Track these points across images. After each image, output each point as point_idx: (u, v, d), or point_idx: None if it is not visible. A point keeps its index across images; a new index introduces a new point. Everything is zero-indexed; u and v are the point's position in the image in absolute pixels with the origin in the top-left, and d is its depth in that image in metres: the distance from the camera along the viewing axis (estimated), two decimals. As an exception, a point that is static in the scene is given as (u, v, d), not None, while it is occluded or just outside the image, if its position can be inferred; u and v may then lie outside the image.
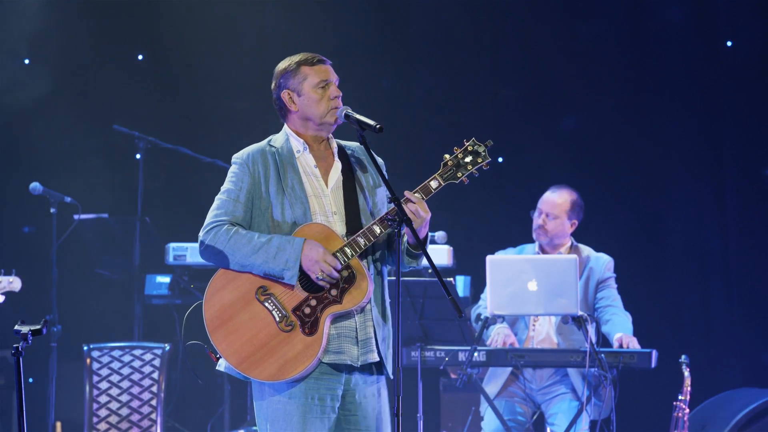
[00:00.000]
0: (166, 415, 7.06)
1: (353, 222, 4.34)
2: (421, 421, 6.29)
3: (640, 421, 8.04)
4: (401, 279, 4.21)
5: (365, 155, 4.44)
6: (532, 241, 6.90)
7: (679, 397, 6.42)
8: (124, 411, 6.81)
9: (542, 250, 6.81)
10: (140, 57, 9.19)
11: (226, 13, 9.09)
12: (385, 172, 4.38)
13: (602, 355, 6.33)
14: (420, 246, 4.29)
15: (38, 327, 3.96)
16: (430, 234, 4.46)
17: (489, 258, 6.47)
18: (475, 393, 6.97)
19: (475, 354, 6.46)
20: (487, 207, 8.83)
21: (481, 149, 4.42)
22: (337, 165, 4.43)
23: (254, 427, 7.23)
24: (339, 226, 4.34)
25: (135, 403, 6.82)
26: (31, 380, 8.57)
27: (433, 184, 4.35)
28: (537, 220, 6.80)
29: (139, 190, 8.24)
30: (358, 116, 4.34)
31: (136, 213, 8.28)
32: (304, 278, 4.26)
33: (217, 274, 4.33)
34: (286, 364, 4.21)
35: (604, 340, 6.77)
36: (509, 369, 6.62)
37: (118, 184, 8.86)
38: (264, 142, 4.45)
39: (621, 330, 6.53)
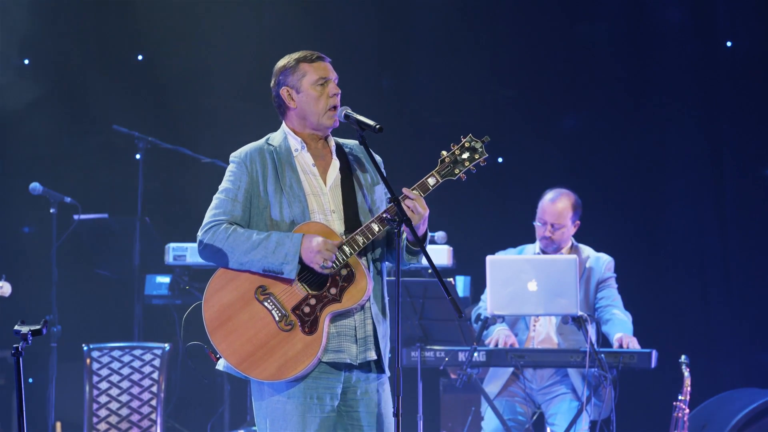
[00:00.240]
0: (166, 415, 7.06)
1: (352, 220, 4.34)
2: (421, 421, 6.29)
3: (640, 421, 8.04)
4: (401, 279, 4.21)
5: (363, 153, 4.44)
6: (532, 241, 6.89)
7: (679, 397, 6.41)
8: (124, 411, 6.81)
9: (542, 251, 6.81)
10: (140, 57, 9.19)
11: (226, 12, 9.09)
12: (383, 170, 4.38)
13: (602, 355, 6.32)
14: (419, 243, 4.29)
15: (38, 327, 3.96)
16: (430, 234, 4.46)
17: (489, 258, 6.47)
18: (475, 393, 6.97)
19: (475, 354, 6.46)
20: (487, 207, 8.83)
21: (478, 145, 4.41)
22: (335, 163, 4.43)
23: (254, 427, 7.23)
24: (337, 225, 4.33)
25: (135, 404, 6.82)
26: (31, 380, 8.57)
27: (431, 181, 4.35)
28: (542, 231, 6.75)
29: (139, 190, 8.24)
30: (357, 116, 4.34)
31: (136, 213, 8.28)
32: (304, 275, 4.26)
33: (216, 274, 4.33)
34: (287, 364, 4.21)
35: (604, 340, 6.77)
36: (509, 369, 6.62)
37: (118, 184, 8.85)
38: (262, 141, 4.45)
39: (621, 330, 6.53)
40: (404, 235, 4.30)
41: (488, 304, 6.42)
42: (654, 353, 6.38)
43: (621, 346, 6.44)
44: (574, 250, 6.79)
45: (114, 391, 6.83)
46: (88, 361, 6.84)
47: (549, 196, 6.78)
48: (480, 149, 4.41)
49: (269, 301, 4.26)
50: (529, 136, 8.91)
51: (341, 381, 4.29)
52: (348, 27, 9.03)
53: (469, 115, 8.85)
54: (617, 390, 6.40)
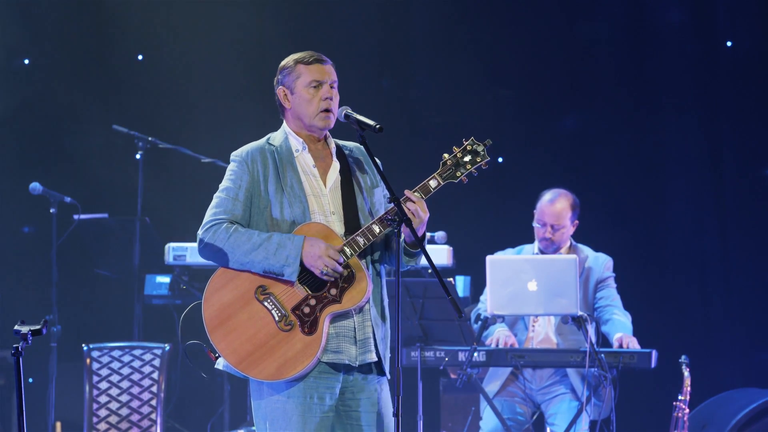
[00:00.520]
0: (166, 415, 7.06)
1: (352, 222, 4.34)
2: (421, 421, 6.29)
3: (640, 421, 8.04)
4: (401, 279, 4.21)
5: (363, 155, 4.45)
6: (532, 241, 6.89)
7: (679, 397, 6.41)
8: (124, 411, 6.81)
9: (541, 251, 6.80)
10: (140, 57, 9.19)
11: (226, 12, 9.09)
12: (382, 171, 4.38)
13: (602, 355, 6.32)
14: (419, 244, 4.29)
15: (38, 327, 3.96)
16: (429, 234, 4.47)
17: (489, 258, 6.46)
18: (475, 393, 6.97)
19: (475, 354, 6.45)
20: (487, 207, 8.83)
21: (480, 148, 4.42)
22: (336, 165, 4.43)
23: (254, 427, 7.22)
24: (337, 226, 4.34)
25: (135, 403, 6.82)
26: (31, 380, 8.57)
27: (433, 183, 4.36)
28: (542, 232, 6.74)
29: (139, 190, 8.24)
30: (357, 116, 4.34)
31: (136, 213, 8.28)
32: (304, 276, 4.26)
33: (217, 273, 4.33)
34: (286, 364, 4.21)
35: (603, 340, 6.77)
36: (509, 369, 6.62)
37: (118, 184, 8.85)
38: (263, 140, 4.45)
39: (621, 330, 6.53)
40: (402, 237, 4.30)
41: (488, 304, 6.42)
42: (654, 353, 6.38)
43: (621, 346, 6.44)
44: (572, 249, 6.79)
45: (114, 391, 6.83)
46: (88, 361, 6.84)
47: (547, 197, 6.77)
48: (482, 152, 4.41)
49: (269, 300, 4.26)
50: (528, 136, 8.91)
51: (340, 381, 4.29)
52: (348, 27, 9.03)
53: (469, 115, 8.84)
54: (617, 390, 6.40)
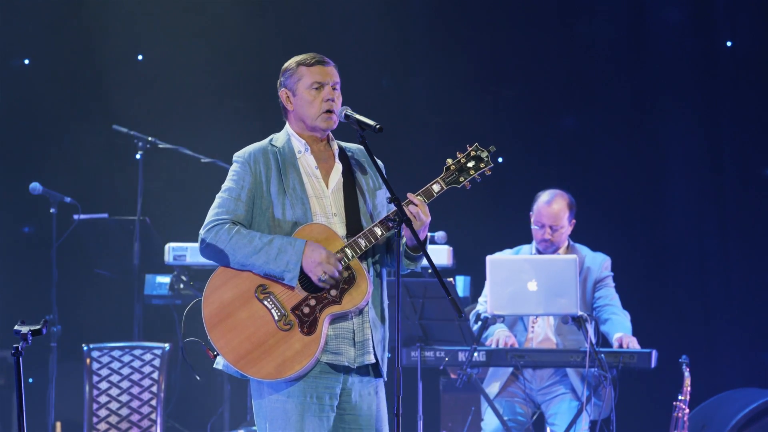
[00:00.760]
0: (166, 415, 7.06)
1: (353, 224, 4.35)
2: (421, 421, 6.29)
3: (640, 421, 8.04)
4: (401, 279, 4.21)
5: (365, 157, 4.45)
6: (530, 242, 6.89)
7: (679, 397, 6.41)
8: (124, 411, 6.81)
9: (539, 252, 6.80)
10: (140, 57, 9.19)
11: (226, 12, 9.08)
12: (384, 173, 4.38)
13: (602, 355, 6.32)
14: (420, 247, 4.29)
15: (38, 327, 3.96)
16: (429, 235, 4.47)
17: (489, 258, 6.47)
18: (475, 393, 6.97)
19: (475, 354, 6.46)
20: (487, 207, 8.82)
21: (484, 154, 4.42)
22: (338, 167, 4.44)
23: (254, 427, 7.23)
24: (339, 228, 4.34)
25: (135, 403, 6.82)
26: (31, 380, 8.57)
27: (436, 187, 4.36)
28: (540, 234, 6.74)
29: (139, 190, 8.23)
30: (357, 116, 4.35)
31: (136, 213, 8.27)
32: (305, 278, 4.27)
33: (217, 272, 4.33)
34: (284, 363, 4.21)
35: (603, 339, 6.77)
36: (509, 369, 6.62)
37: (118, 184, 8.85)
38: (265, 141, 4.46)
39: (620, 329, 6.53)
40: (404, 240, 4.30)
41: (488, 304, 6.43)
42: (654, 353, 6.38)
43: (621, 345, 6.44)
44: (571, 249, 6.79)
45: (114, 391, 6.83)
46: (88, 361, 6.84)
47: (544, 198, 6.76)
48: (486, 158, 4.42)
49: (269, 300, 4.27)
50: (528, 136, 8.90)
51: (340, 381, 4.29)
52: (348, 27, 9.03)
53: (469, 115, 8.84)
54: (617, 390, 6.40)
